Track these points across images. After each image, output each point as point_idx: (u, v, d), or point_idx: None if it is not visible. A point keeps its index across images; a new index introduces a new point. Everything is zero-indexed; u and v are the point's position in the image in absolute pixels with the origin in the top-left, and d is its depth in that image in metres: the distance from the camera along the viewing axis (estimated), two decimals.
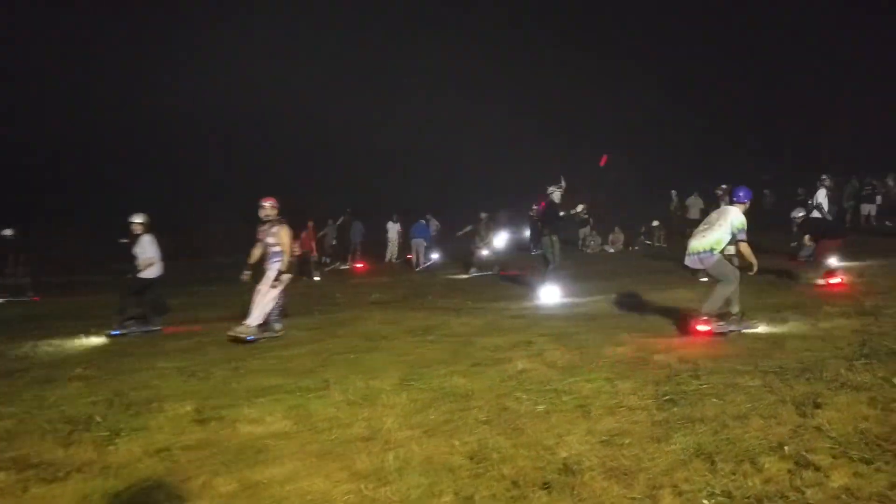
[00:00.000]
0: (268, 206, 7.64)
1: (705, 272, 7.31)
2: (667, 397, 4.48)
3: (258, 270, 7.69)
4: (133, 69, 31.38)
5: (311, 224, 17.03)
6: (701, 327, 6.36)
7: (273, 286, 7.52)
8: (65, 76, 30.26)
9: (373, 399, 4.77)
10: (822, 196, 11.96)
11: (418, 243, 19.62)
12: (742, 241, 6.32)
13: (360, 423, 4.23)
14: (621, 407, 4.34)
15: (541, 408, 4.41)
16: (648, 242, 20.79)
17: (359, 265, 19.88)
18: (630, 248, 20.85)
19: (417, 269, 18.86)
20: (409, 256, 20.39)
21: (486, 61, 34.19)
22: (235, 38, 31.89)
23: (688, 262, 6.57)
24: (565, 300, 9.72)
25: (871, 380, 4.52)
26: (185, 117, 30.49)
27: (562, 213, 10.39)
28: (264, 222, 7.66)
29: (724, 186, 11.79)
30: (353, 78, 35.90)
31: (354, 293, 12.95)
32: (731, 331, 6.32)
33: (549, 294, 9.91)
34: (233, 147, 33.86)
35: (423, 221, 20.48)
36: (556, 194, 10.34)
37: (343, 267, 20.17)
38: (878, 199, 20.34)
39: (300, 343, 7.26)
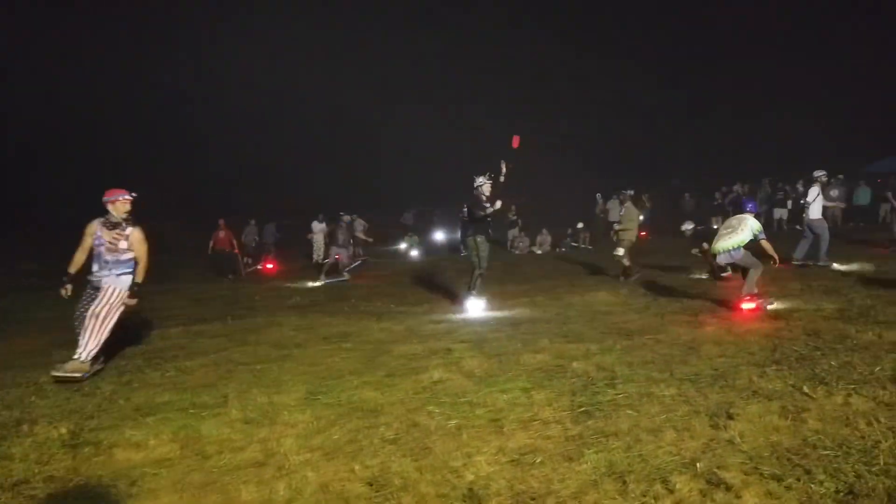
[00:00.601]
0: (128, 202, 6.08)
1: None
2: (582, 409, 4.33)
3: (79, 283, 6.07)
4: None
5: (222, 222, 16.26)
6: (746, 305, 7.46)
7: (125, 304, 6.00)
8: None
9: (273, 416, 4.40)
10: (812, 193, 11.30)
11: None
12: (763, 239, 7.72)
13: (254, 445, 3.86)
14: (535, 420, 4.15)
15: (452, 423, 4.17)
16: (575, 244, 21.07)
17: (269, 266, 19.31)
18: (557, 249, 21.08)
19: (346, 271, 18.39)
20: (337, 257, 19.88)
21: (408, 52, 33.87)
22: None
23: (721, 259, 7.96)
24: (489, 304, 9.50)
25: (783, 387, 4.52)
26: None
27: (488, 208, 8.75)
28: (113, 223, 5.98)
29: (625, 191, 12.87)
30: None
31: (275, 296, 12.39)
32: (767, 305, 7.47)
33: (474, 306, 8.89)
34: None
35: (347, 220, 19.97)
36: (485, 187, 8.89)
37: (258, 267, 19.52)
38: (790, 203, 21.34)
39: (204, 352, 6.75)
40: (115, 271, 5.96)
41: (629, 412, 4.20)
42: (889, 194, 18.98)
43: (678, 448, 3.54)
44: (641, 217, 24.16)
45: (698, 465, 3.29)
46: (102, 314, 5.81)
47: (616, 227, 12.67)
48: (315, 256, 21.53)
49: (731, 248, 7.73)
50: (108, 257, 5.95)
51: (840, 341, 5.70)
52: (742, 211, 8.10)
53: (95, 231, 5.98)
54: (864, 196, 20.94)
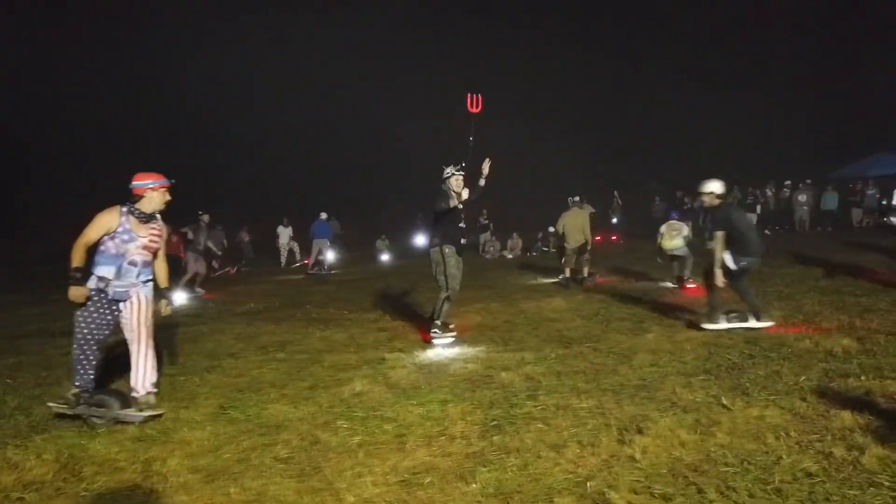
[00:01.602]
0: (167, 191, 4.77)
1: None
2: (494, 423, 4.17)
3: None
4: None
5: (171, 227, 15.91)
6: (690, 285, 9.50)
7: (160, 314, 4.95)
8: None
9: (171, 434, 4.20)
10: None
11: (321, 243, 18.97)
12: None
13: (136, 465, 3.65)
14: (442, 436, 3.98)
15: (356, 440, 3.99)
16: (545, 249, 20.98)
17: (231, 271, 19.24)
18: (528, 253, 21.00)
19: (310, 272, 18.21)
20: (306, 261, 19.68)
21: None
22: None
23: (674, 252, 10.45)
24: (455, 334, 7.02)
25: (703, 398, 4.40)
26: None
27: (454, 200, 6.59)
28: (147, 216, 4.70)
29: (572, 198, 12.77)
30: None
31: (233, 302, 12.14)
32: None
33: (440, 340, 6.69)
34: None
35: (323, 217, 19.69)
36: (453, 179, 6.58)
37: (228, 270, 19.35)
38: (758, 208, 21.42)
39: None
40: (142, 277, 4.70)
41: (540, 426, 4.04)
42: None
43: (576, 465, 3.39)
44: (615, 220, 24.43)
45: (589, 484, 3.14)
46: (145, 334, 4.68)
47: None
48: (283, 261, 21.32)
49: (678, 246, 10.41)
50: (138, 258, 4.62)
51: (776, 349, 5.60)
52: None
53: (120, 223, 4.55)
54: (831, 201, 21.05)
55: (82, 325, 4.51)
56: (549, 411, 4.33)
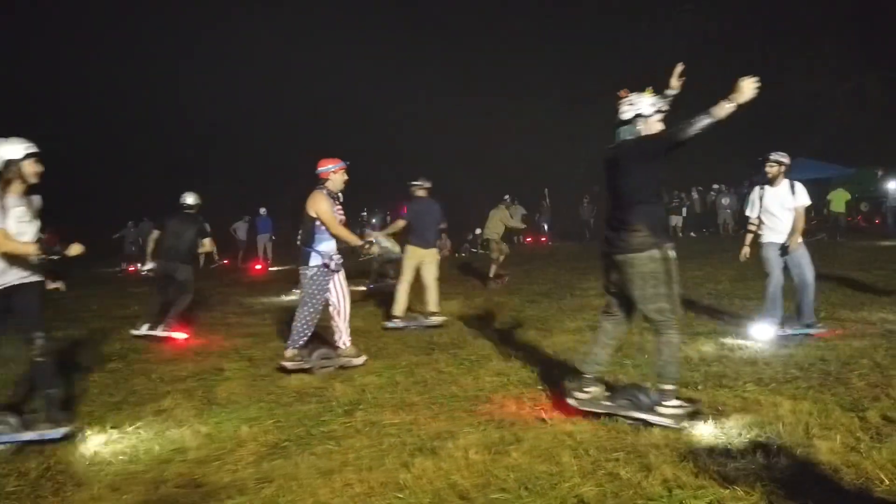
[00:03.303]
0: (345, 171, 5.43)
1: None
2: (285, 444, 3.74)
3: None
4: None
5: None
6: None
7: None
8: None
9: None
10: None
11: (264, 238, 18.94)
12: None
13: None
14: (216, 460, 3.52)
15: (113, 468, 3.49)
16: (474, 250, 20.72)
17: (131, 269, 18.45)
18: (457, 254, 20.68)
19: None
20: (226, 262, 18.94)
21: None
22: None
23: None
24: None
25: (529, 411, 4.08)
26: None
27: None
28: (334, 196, 5.37)
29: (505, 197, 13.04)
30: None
31: (117, 305, 11.37)
32: None
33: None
34: None
35: (263, 213, 19.45)
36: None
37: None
38: (684, 211, 21.63)
39: None
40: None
41: (330, 447, 3.63)
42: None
43: (332, 496, 2.98)
44: (546, 226, 24.31)
45: None
46: (348, 299, 5.54)
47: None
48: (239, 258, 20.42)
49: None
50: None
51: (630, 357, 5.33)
52: None
53: (332, 205, 5.31)
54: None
55: (314, 298, 5.28)
56: (353, 429, 3.92)
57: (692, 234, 21.65)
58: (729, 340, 5.71)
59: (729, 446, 3.30)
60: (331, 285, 5.35)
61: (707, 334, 6.03)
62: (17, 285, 3.83)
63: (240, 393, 4.93)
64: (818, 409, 3.72)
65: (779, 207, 5.90)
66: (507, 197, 13.35)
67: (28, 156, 3.83)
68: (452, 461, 3.30)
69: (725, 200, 21.36)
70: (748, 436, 3.42)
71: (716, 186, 22.60)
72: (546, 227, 23.62)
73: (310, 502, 2.94)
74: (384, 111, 32.50)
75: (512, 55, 32.98)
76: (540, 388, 4.59)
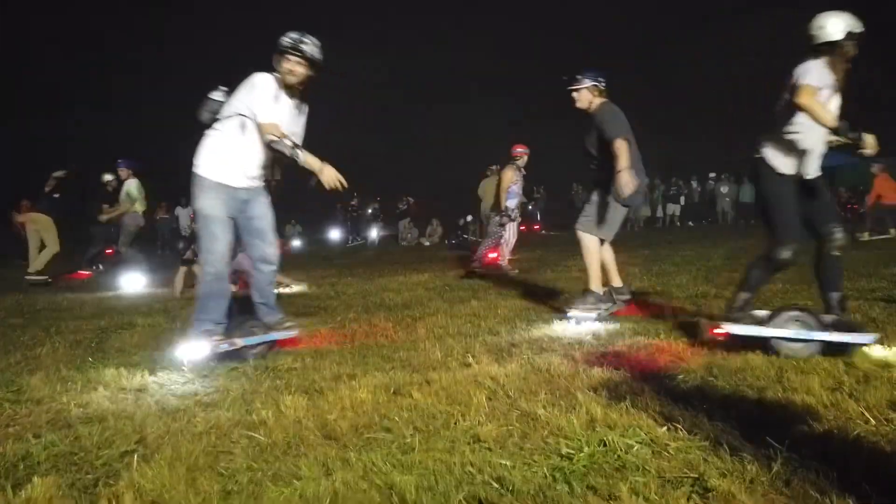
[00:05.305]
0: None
1: None
2: (153, 385, 3.09)
3: None
4: None
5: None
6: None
7: None
8: None
9: None
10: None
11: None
12: None
13: None
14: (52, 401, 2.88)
15: None
16: (465, 236, 20.05)
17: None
18: (447, 241, 20.01)
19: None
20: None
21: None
22: None
23: None
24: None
25: (438, 358, 3.42)
26: None
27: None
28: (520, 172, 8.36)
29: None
30: None
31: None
32: None
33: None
34: None
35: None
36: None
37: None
38: (682, 199, 20.91)
39: None
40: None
41: (197, 386, 2.98)
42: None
43: (169, 437, 2.34)
44: (538, 215, 23.51)
45: None
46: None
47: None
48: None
49: None
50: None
51: None
52: None
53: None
54: (746, 193, 20.60)
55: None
56: (240, 373, 3.27)
57: (690, 223, 20.92)
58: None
59: (686, 392, 2.64)
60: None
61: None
62: None
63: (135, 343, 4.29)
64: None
65: None
66: (494, 166, 12.14)
67: None
68: (337, 401, 2.65)
69: (724, 188, 20.61)
70: (717, 384, 2.76)
71: (713, 175, 21.79)
72: (538, 213, 22.85)
73: (136, 438, 2.30)
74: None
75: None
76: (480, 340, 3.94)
